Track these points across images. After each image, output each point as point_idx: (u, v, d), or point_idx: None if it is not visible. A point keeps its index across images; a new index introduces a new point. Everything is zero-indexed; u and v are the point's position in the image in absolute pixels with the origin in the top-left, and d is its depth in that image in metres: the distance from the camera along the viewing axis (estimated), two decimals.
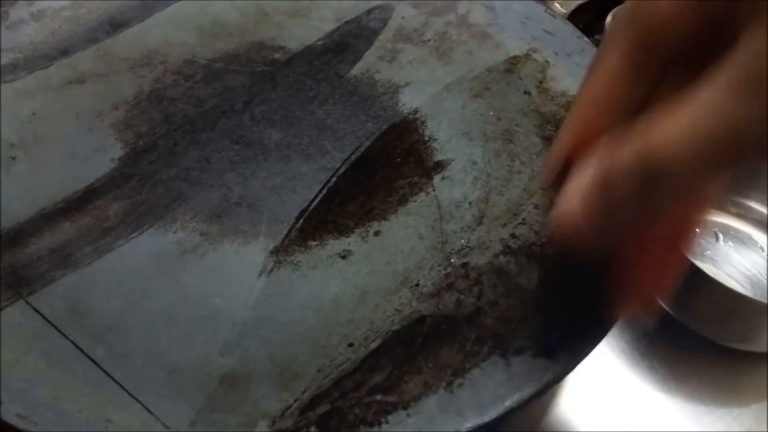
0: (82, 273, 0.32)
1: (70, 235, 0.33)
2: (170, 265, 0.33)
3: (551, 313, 0.30)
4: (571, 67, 0.42)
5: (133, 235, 0.34)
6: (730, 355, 0.35)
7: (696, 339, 0.35)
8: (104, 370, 0.28)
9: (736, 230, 0.40)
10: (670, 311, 0.35)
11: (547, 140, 0.39)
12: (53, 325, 0.29)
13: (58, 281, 0.31)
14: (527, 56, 0.44)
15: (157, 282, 0.32)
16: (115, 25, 0.44)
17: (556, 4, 0.61)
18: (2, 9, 0.42)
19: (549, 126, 0.40)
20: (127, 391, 0.27)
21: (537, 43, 0.44)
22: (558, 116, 0.40)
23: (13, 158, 0.36)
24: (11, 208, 0.34)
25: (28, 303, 0.30)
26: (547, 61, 0.43)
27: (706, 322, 0.34)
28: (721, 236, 0.40)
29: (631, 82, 0.20)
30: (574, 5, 0.61)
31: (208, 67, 0.43)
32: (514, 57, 0.44)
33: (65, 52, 0.42)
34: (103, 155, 0.37)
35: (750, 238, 0.40)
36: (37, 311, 0.30)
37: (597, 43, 0.57)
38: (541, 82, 0.42)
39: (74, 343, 0.29)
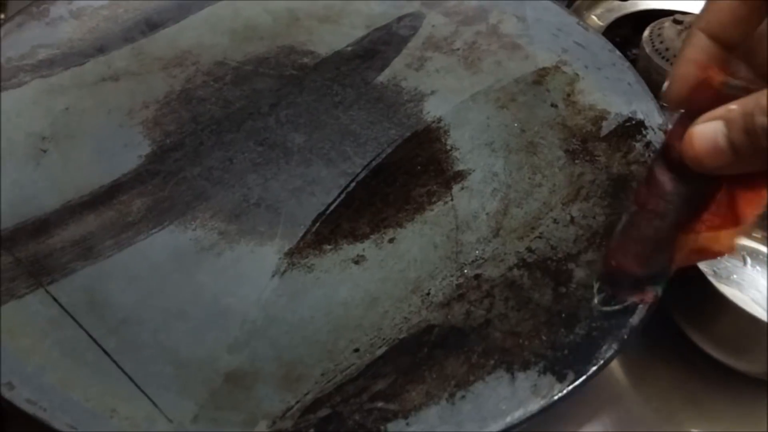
0: (102, 265, 0.33)
1: (94, 228, 0.34)
2: (187, 261, 0.34)
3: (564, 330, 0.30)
4: (601, 81, 0.42)
5: (154, 230, 0.35)
6: (744, 382, 0.34)
7: (711, 363, 0.34)
8: (114, 361, 0.29)
9: (765, 255, 0.39)
10: (687, 333, 0.35)
11: (571, 154, 0.38)
12: (69, 315, 0.30)
13: (79, 272, 0.32)
14: (556, 68, 0.43)
15: (173, 278, 0.33)
16: (152, 25, 0.45)
17: (593, 17, 0.60)
18: (43, 6, 0.43)
19: (574, 140, 0.39)
20: (134, 382, 0.28)
21: (567, 55, 0.44)
22: (584, 130, 0.39)
23: (44, 151, 0.37)
24: (39, 199, 0.35)
25: (47, 292, 0.31)
26: (576, 74, 0.43)
27: (725, 348, 0.33)
28: (749, 260, 0.39)
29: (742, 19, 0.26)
30: (611, 18, 0.60)
31: (238, 70, 0.44)
32: (543, 69, 0.43)
33: (101, 49, 0.43)
34: (130, 151, 0.38)
35: None
36: (55, 300, 0.31)
37: (634, 57, 0.56)
38: (569, 95, 0.42)
39: (88, 333, 0.30)
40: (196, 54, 0.44)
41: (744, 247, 0.40)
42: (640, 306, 0.30)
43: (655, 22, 0.54)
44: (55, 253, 0.33)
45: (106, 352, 0.29)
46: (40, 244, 0.33)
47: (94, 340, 0.29)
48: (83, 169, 0.37)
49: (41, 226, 0.34)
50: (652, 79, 0.53)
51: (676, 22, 0.52)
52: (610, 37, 0.59)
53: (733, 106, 0.24)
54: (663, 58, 0.50)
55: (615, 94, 0.41)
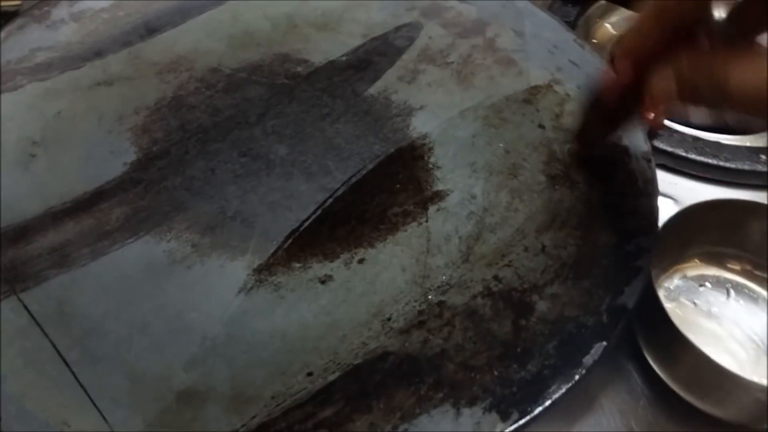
0: (75, 274, 0.34)
1: (72, 236, 0.35)
2: (157, 274, 0.34)
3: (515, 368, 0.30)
4: None
5: (129, 240, 0.36)
6: (713, 423, 0.33)
7: (681, 403, 0.34)
8: (73, 373, 0.30)
9: (749, 289, 0.38)
10: (657, 371, 0.34)
11: (552, 179, 0.38)
12: (38, 324, 0.31)
13: (52, 280, 0.33)
14: (548, 87, 0.42)
15: (142, 290, 0.34)
16: (150, 29, 0.46)
17: (607, 25, 0.59)
18: (45, 9, 0.44)
19: (557, 164, 0.39)
20: (89, 396, 0.29)
21: (561, 74, 0.43)
22: (570, 156, 0.39)
23: (33, 156, 0.38)
24: (22, 205, 0.36)
25: (20, 299, 0.32)
26: (567, 95, 0.42)
27: (690, 389, 0.32)
28: (732, 293, 0.38)
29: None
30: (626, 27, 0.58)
31: (231, 77, 0.44)
32: (535, 87, 0.43)
33: (99, 53, 0.44)
34: (117, 158, 0.39)
35: (763, 298, 0.38)
36: (26, 309, 0.32)
37: None
38: (557, 116, 0.41)
39: (53, 344, 0.31)
40: (191, 60, 0.45)
41: (728, 280, 0.39)
42: (595, 346, 0.29)
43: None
44: (32, 260, 0.34)
45: (66, 364, 0.30)
46: (18, 250, 0.34)
47: (58, 352, 0.30)
48: (69, 175, 0.38)
49: (22, 233, 0.35)
50: None
51: None
52: None
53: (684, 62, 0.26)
54: None
55: None
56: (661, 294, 0.38)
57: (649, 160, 0.37)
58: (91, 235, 0.35)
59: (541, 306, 0.32)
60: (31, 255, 0.34)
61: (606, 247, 0.34)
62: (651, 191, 0.36)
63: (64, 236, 0.35)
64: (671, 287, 0.39)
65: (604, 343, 0.30)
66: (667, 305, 0.34)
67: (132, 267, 0.34)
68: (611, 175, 0.37)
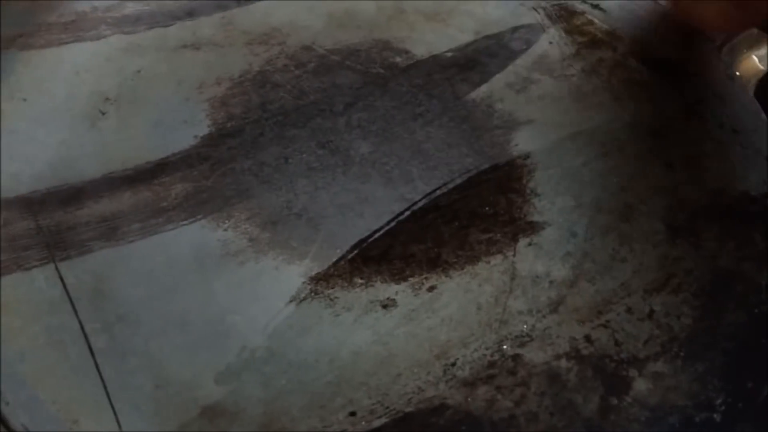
0: (121, 250, 0.31)
1: (126, 207, 0.32)
2: (207, 265, 0.31)
3: None
4: (734, 147, 0.35)
5: (184, 222, 0.32)
6: None
7: None
8: (96, 364, 0.27)
9: None
10: None
11: (673, 230, 0.32)
12: (70, 300, 0.28)
13: (95, 253, 0.30)
14: (686, 120, 0.36)
15: (188, 280, 0.30)
16: None
17: (754, 57, 0.51)
18: None
19: (681, 213, 0.33)
20: (107, 394, 0.26)
21: (703, 106, 0.37)
22: (697, 204, 0.33)
23: (104, 113, 0.36)
24: (81, 165, 0.33)
25: (56, 269, 0.29)
26: (707, 132, 0.36)
27: None
28: None
29: None
30: None
31: (324, 58, 0.40)
32: (670, 118, 0.37)
33: (191, 13, 0.41)
34: (188, 129, 0.36)
35: None
36: (61, 279, 0.29)
37: None
38: (691, 157, 0.35)
39: (81, 326, 0.28)
40: (285, 33, 0.41)
41: None
42: None
43: None
44: (79, 227, 0.31)
45: (91, 351, 0.27)
46: (67, 214, 0.32)
47: (85, 335, 0.27)
48: (136, 139, 0.35)
49: (75, 195, 0.32)
50: None
51: None
52: None
53: None
54: None
55: (747, 167, 0.33)
56: None
57: None
58: (146, 210, 0.33)
59: (640, 385, 0.27)
60: (80, 221, 0.31)
61: (732, 326, 0.28)
62: None
63: (118, 206, 0.32)
64: None
65: None
66: None
67: (182, 252, 0.31)
68: (751, 237, 0.30)
